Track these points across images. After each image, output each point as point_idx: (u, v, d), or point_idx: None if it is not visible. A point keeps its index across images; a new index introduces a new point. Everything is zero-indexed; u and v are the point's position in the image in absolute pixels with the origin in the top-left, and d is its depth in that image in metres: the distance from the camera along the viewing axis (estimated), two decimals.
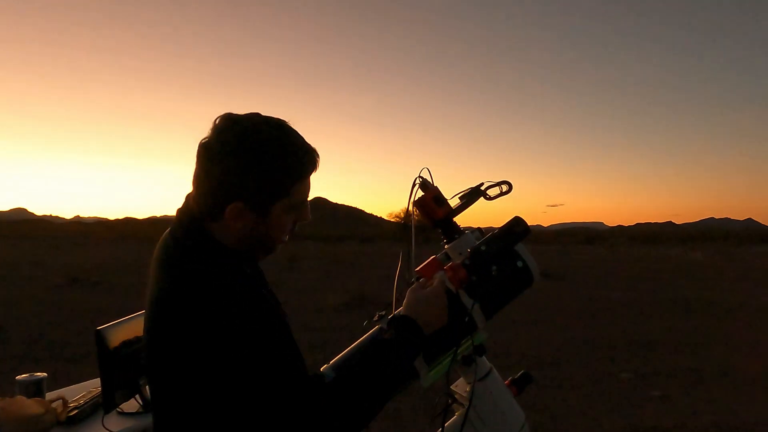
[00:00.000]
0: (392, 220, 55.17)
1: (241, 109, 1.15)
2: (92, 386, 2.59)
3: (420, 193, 1.34)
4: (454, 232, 1.34)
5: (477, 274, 1.23)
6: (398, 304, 1.26)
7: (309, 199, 1.19)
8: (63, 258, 20.40)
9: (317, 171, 1.16)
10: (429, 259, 1.36)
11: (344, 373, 1.13)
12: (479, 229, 1.39)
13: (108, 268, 16.41)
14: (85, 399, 2.34)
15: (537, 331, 7.74)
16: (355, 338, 1.31)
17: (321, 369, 1.26)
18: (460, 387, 1.37)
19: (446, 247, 1.36)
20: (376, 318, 1.24)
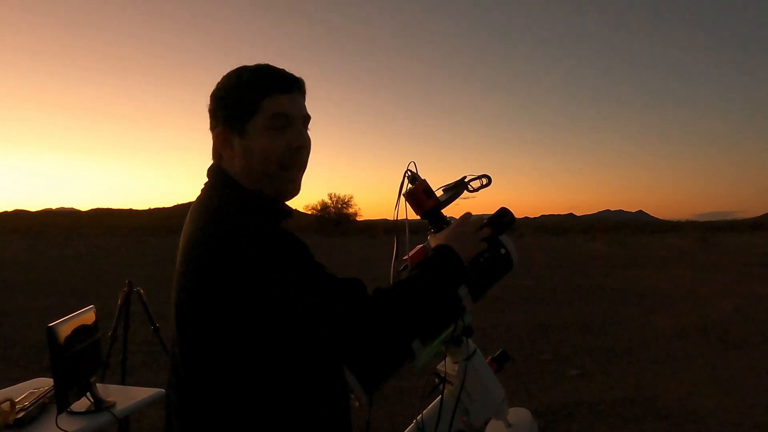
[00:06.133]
0: (309, 212, 54.66)
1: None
2: (32, 387, 2.46)
3: (409, 186, 1.41)
4: (442, 222, 1.42)
5: (469, 261, 1.32)
6: None
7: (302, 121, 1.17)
8: None
9: (299, 94, 1.17)
10: (417, 247, 1.43)
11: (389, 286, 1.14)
12: None
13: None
14: (29, 400, 2.22)
15: None
16: None
17: None
18: (446, 367, 1.46)
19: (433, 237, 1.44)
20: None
